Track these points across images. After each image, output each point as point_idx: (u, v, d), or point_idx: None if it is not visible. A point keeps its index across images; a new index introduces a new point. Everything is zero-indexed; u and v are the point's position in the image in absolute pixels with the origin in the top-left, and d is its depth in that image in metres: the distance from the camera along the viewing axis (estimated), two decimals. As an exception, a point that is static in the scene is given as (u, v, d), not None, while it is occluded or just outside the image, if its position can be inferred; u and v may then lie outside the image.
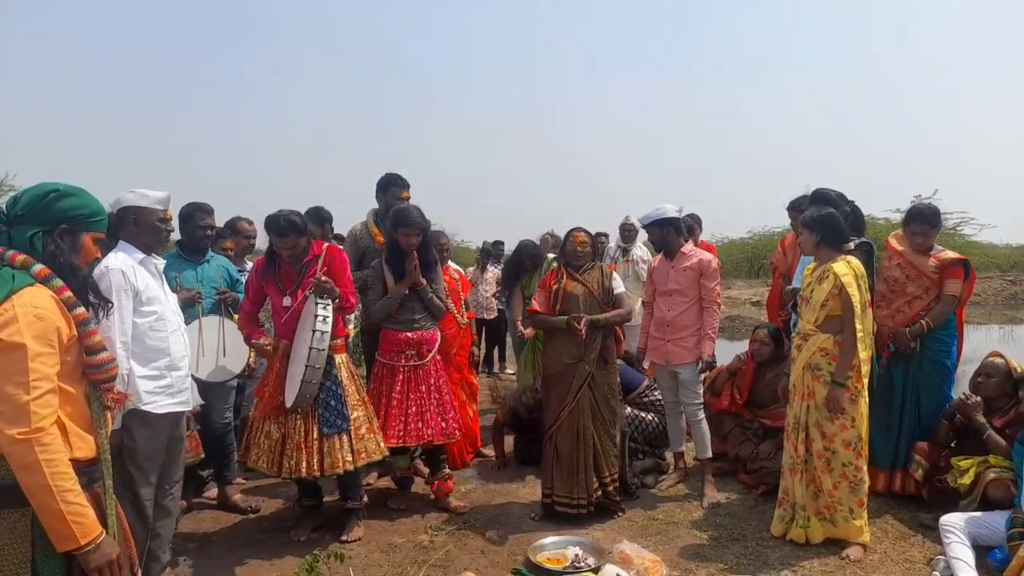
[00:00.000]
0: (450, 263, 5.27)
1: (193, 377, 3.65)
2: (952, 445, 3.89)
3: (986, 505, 3.42)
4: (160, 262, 2.98)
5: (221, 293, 4.05)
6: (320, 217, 4.97)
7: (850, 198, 4.29)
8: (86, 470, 1.74)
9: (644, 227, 4.44)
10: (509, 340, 8.73)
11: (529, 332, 5.17)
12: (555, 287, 4.04)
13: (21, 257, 1.72)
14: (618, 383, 4.20)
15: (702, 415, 4.40)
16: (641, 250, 6.30)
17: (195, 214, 4.05)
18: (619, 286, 4.10)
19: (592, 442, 3.93)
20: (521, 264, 5.66)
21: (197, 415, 3.87)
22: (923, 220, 4.04)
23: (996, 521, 3.24)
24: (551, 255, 5.84)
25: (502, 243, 9.38)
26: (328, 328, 3.30)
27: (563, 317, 3.91)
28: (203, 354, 3.83)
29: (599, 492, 3.95)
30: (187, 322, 3.77)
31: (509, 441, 5.17)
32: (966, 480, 3.55)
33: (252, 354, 4.08)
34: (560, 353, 3.96)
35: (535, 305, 4.09)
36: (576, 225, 4.16)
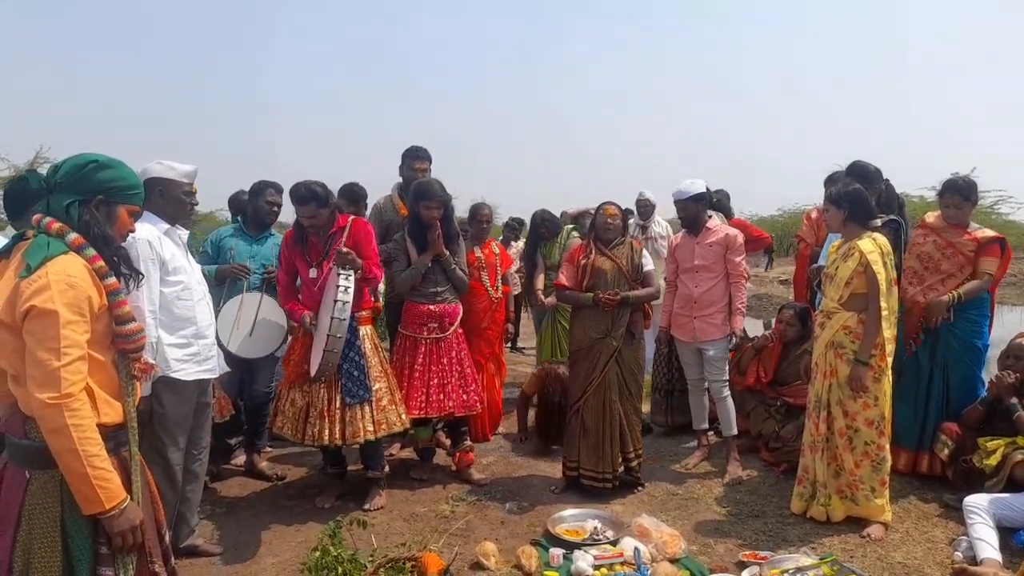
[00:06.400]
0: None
1: (225, 350, 3.77)
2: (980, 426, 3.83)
3: (1012, 487, 3.37)
4: (184, 233, 3.03)
5: (268, 272, 4.12)
6: (355, 194, 4.88)
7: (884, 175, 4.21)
8: (113, 435, 1.79)
9: (678, 202, 4.34)
10: (525, 316, 8.69)
11: (550, 301, 5.15)
12: (584, 262, 4.00)
13: (57, 225, 1.75)
14: (644, 358, 4.19)
15: (727, 392, 4.38)
16: (660, 226, 6.22)
17: (265, 190, 4.20)
18: (648, 263, 4.06)
19: (619, 417, 3.94)
20: (538, 233, 5.63)
21: (239, 382, 4.06)
22: (956, 191, 3.93)
23: (1022, 503, 3.20)
24: (569, 225, 5.78)
25: (523, 220, 9.36)
26: (349, 298, 3.33)
27: (589, 294, 3.89)
28: (239, 327, 3.92)
29: (623, 467, 3.96)
30: (231, 296, 3.95)
31: (532, 415, 5.20)
32: (992, 461, 3.49)
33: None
34: (587, 328, 3.95)
35: (562, 279, 4.07)
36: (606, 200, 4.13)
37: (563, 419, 4.30)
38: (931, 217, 4.12)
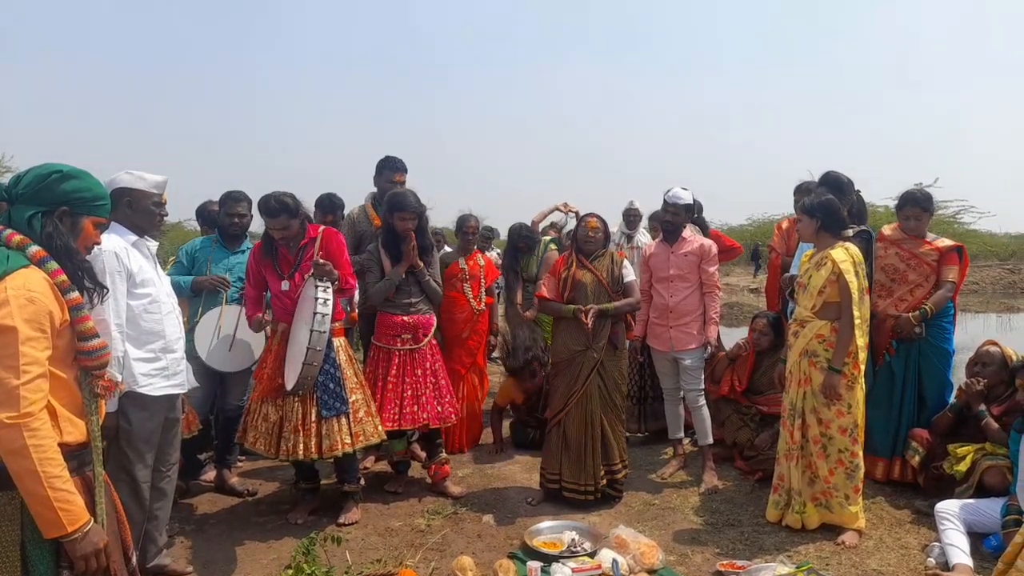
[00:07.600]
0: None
1: (202, 361, 3.77)
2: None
3: (982, 492, 3.43)
4: (152, 244, 2.96)
5: None
6: (332, 204, 4.85)
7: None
8: (76, 454, 1.73)
9: (673, 206, 4.31)
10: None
11: (530, 315, 5.15)
12: (564, 274, 4.00)
13: (17, 237, 1.69)
14: (626, 369, 4.19)
15: (703, 401, 4.40)
16: (645, 236, 6.25)
17: (227, 201, 4.15)
18: (629, 274, 4.05)
19: (600, 429, 3.92)
20: (516, 247, 5.65)
21: (211, 396, 4.00)
22: (915, 203, 4.06)
23: (991, 508, 3.25)
24: (547, 237, 5.79)
25: (494, 228, 9.39)
26: (329, 311, 3.29)
27: (571, 306, 3.88)
28: (218, 340, 3.88)
29: (605, 480, 3.94)
30: (208, 308, 3.93)
31: (506, 426, 5.18)
32: (962, 467, 3.55)
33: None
34: (568, 340, 3.93)
35: (543, 291, 4.05)
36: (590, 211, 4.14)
37: (539, 425, 4.28)
38: (888, 229, 4.23)
